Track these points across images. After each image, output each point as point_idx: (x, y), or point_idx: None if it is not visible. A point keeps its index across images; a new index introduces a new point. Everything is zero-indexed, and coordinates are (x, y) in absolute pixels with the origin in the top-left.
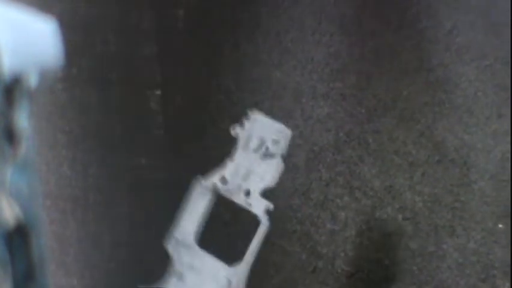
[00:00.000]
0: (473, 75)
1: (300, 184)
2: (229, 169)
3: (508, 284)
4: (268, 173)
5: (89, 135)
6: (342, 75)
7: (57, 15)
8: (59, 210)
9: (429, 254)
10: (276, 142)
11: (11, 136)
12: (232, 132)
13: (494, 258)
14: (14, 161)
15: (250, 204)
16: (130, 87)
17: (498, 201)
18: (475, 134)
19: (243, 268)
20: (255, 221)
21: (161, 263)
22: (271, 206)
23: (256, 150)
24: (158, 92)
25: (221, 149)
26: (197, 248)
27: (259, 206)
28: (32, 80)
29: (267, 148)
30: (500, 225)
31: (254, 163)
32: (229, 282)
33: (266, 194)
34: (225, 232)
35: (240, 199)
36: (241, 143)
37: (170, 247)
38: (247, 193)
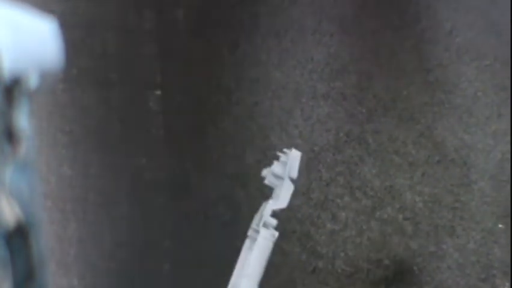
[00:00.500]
0: (472, 76)
1: (300, 184)
2: None
3: (507, 284)
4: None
5: (90, 136)
6: (342, 75)
7: (57, 15)
8: (59, 210)
9: (430, 254)
10: (283, 164)
11: (11, 136)
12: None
13: (494, 258)
14: (14, 161)
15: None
16: (130, 88)
17: (498, 201)
18: (474, 134)
19: None
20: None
21: (162, 263)
22: (276, 234)
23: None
24: (158, 92)
25: (221, 149)
26: None
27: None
28: (32, 80)
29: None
30: (500, 225)
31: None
32: None
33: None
34: (222, 231)
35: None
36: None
37: None
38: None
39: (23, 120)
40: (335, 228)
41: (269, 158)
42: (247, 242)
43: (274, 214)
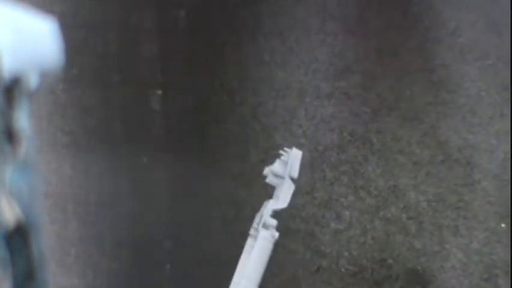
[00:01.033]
0: (476, 75)
1: (304, 183)
2: None
3: (510, 283)
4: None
5: (90, 135)
6: (346, 75)
7: (57, 15)
8: (60, 210)
9: (433, 254)
10: (284, 163)
11: (11, 136)
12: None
13: (497, 258)
14: (14, 161)
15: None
16: (131, 87)
17: (501, 201)
18: (478, 134)
19: None
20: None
21: (162, 263)
22: (276, 235)
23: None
24: (159, 92)
25: (224, 149)
26: None
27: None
28: (32, 80)
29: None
30: (502, 225)
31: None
32: None
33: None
34: (225, 231)
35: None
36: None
37: None
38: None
39: (23, 120)
40: (339, 227)
41: (272, 158)
42: (248, 241)
43: (275, 214)
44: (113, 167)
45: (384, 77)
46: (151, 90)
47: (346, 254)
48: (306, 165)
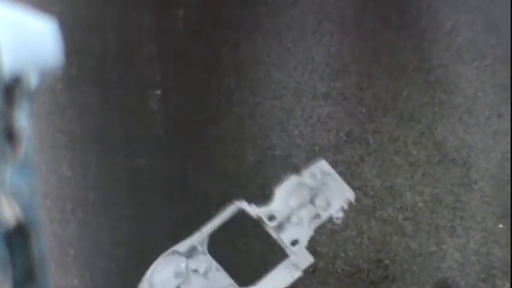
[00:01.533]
0: (473, 75)
1: None
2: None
3: (508, 284)
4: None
5: (89, 135)
6: (342, 75)
7: (57, 15)
8: (58, 210)
9: (430, 254)
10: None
11: (11, 136)
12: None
13: (494, 258)
14: (14, 161)
15: (293, 253)
16: (130, 87)
17: (498, 201)
18: (475, 134)
19: None
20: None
21: None
22: (312, 260)
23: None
24: (158, 92)
25: (221, 149)
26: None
27: (302, 260)
28: (32, 80)
29: (330, 217)
30: (500, 225)
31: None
32: None
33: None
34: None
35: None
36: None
37: None
38: (295, 242)
39: (23, 120)
40: (335, 228)
41: (269, 158)
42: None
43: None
44: (111, 167)
45: (380, 77)
46: (150, 90)
47: (342, 254)
48: (302, 166)
